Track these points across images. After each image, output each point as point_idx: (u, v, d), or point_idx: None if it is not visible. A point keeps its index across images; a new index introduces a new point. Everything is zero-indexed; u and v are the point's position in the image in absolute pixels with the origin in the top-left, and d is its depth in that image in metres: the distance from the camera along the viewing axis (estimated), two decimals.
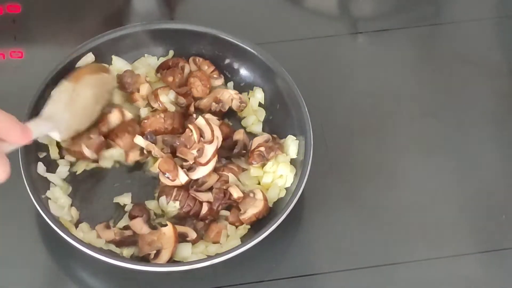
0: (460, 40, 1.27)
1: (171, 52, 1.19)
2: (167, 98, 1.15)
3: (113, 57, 1.16)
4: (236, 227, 1.07)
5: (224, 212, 1.09)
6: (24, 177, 1.02)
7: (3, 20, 1.24)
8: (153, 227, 1.06)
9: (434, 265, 1.07)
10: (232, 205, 1.09)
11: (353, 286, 1.06)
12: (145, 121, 1.12)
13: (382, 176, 1.14)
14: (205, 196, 1.07)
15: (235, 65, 1.17)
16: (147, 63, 1.18)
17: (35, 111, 1.06)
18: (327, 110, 1.18)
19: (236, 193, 1.07)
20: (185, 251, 1.04)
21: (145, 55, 1.18)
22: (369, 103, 1.21)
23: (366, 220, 1.10)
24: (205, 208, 1.07)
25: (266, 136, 1.13)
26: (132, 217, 1.07)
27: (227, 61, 1.17)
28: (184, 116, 1.14)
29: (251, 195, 1.08)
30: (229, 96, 1.15)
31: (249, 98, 1.17)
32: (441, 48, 1.27)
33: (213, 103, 1.15)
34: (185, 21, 1.17)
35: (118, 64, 1.16)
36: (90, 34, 1.15)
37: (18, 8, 1.25)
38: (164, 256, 1.02)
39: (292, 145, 1.11)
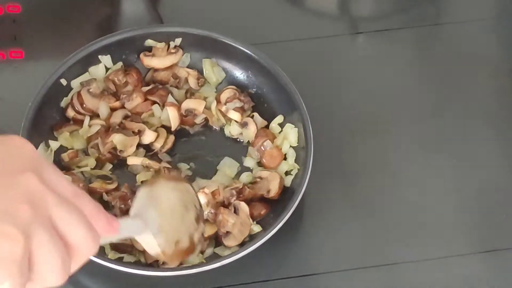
0: (460, 40, 1.27)
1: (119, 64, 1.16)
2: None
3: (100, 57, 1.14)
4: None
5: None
6: None
7: (3, 20, 1.24)
8: None
9: (434, 265, 1.07)
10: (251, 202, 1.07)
11: (353, 286, 1.06)
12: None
13: (382, 176, 1.14)
14: None
15: (235, 67, 1.17)
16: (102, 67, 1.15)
17: (35, 112, 1.06)
18: (327, 110, 1.18)
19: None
20: None
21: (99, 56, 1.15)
22: (369, 103, 1.21)
23: (366, 220, 1.10)
24: None
25: (231, 90, 1.12)
26: None
27: (227, 63, 1.17)
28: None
29: (258, 179, 1.07)
30: (185, 74, 1.15)
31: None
32: (441, 48, 1.27)
33: (171, 78, 1.15)
34: (184, 23, 1.17)
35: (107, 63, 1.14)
36: (91, 34, 1.15)
37: (18, 8, 1.25)
38: None
39: (291, 133, 1.10)
